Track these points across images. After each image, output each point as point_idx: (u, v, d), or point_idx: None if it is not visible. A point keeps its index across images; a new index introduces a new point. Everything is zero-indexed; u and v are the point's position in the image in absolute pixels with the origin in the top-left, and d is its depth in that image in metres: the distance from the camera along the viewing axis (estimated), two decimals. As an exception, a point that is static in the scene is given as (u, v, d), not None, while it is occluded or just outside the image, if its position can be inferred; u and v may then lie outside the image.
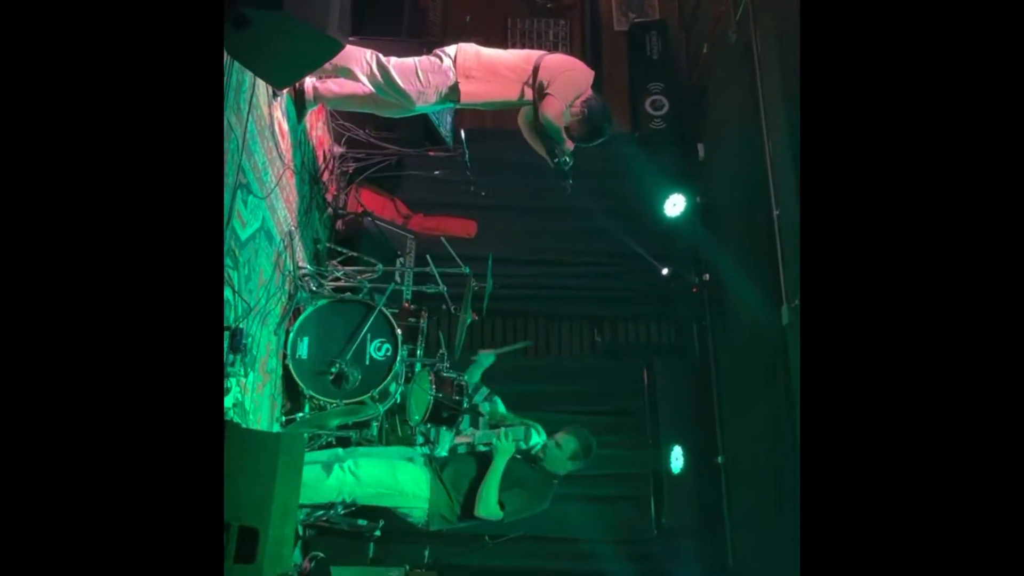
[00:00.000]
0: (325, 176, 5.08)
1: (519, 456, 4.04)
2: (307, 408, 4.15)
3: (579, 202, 5.91)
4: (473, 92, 3.86)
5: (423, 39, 5.40)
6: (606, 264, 6.34)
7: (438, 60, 3.89)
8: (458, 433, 4.33)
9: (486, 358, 4.86)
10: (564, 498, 4.55)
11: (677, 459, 5.58)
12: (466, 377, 4.36)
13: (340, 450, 4.08)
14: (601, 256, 6.31)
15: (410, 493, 3.87)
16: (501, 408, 4.81)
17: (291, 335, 4.11)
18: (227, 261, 3.15)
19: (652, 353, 6.15)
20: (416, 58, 3.92)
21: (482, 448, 4.23)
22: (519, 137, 4.28)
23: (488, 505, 3.81)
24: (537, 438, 4.24)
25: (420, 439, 4.21)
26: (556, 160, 3.93)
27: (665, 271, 6.15)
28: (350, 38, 3.70)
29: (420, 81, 3.84)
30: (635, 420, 5.89)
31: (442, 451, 4.34)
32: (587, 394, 5.96)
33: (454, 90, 3.86)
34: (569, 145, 3.92)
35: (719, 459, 5.49)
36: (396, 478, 3.87)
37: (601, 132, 3.99)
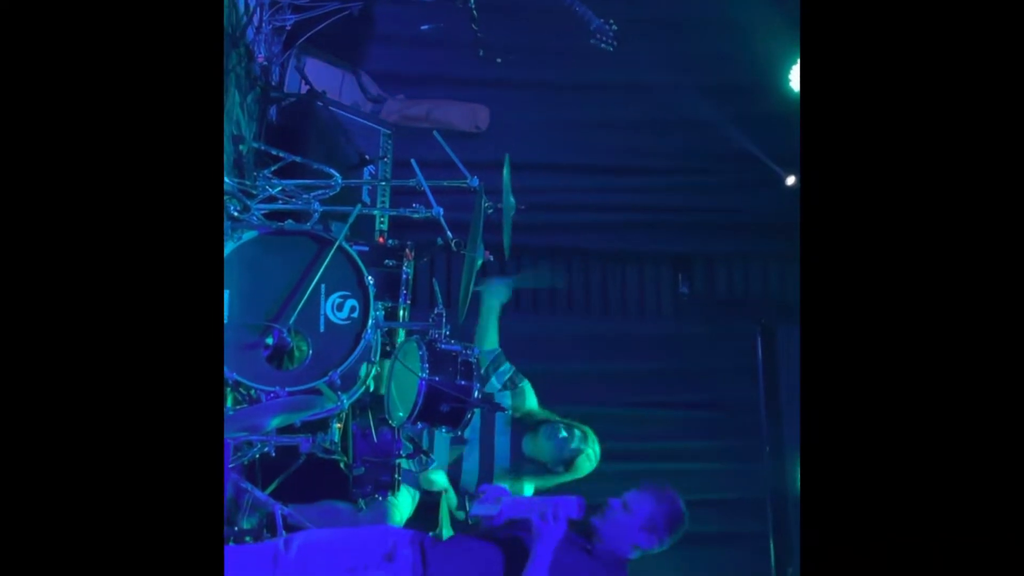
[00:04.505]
0: (248, 36, 5.05)
1: None
2: (230, 401, 4.20)
3: (649, 73, 5.90)
4: None
5: None
6: (696, 171, 6.33)
7: None
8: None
9: (495, 291, 4.94)
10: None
11: (811, 477, 5.62)
12: (477, 348, 4.36)
13: None
14: (688, 159, 6.30)
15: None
16: (531, 401, 4.87)
17: (202, 287, 4.14)
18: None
19: (771, 313, 6.21)
20: None
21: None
22: None
23: None
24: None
25: (406, 448, 4.31)
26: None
27: (791, 180, 6.14)
28: None
29: None
30: (744, 418, 5.97)
31: (439, 465, 4.48)
32: (669, 376, 6.02)
33: None
34: None
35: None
36: None
37: None
